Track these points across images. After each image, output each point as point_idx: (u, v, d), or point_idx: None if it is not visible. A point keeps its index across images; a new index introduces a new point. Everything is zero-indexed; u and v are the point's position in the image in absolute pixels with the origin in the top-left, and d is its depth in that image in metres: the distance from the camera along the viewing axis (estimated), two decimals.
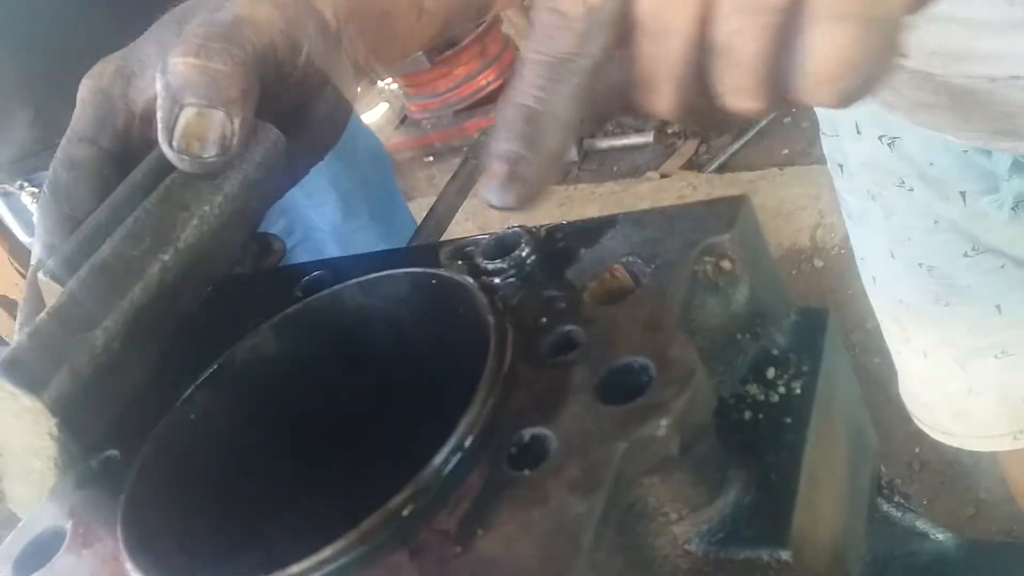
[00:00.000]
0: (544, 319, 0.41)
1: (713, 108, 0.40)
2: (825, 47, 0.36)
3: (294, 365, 0.49)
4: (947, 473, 1.97)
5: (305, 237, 1.46)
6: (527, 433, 0.36)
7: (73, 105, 0.55)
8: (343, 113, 0.58)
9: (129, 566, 0.40)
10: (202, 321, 0.52)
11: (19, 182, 1.14)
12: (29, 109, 1.07)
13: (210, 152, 0.49)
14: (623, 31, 0.40)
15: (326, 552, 0.34)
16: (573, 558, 0.30)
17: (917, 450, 1.94)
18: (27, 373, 0.42)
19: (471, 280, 0.44)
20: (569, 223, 0.45)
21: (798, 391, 0.40)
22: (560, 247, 0.44)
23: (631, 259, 0.41)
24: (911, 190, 1.02)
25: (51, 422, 0.41)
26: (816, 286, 2.51)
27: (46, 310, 0.44)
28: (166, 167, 0.50)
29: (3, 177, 1.14)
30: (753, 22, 0.37)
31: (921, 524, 0.49)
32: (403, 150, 3.62)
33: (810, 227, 2.63)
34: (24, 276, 0.56)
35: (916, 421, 1.26)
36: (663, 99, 0.41)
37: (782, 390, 0.40)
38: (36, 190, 1.12)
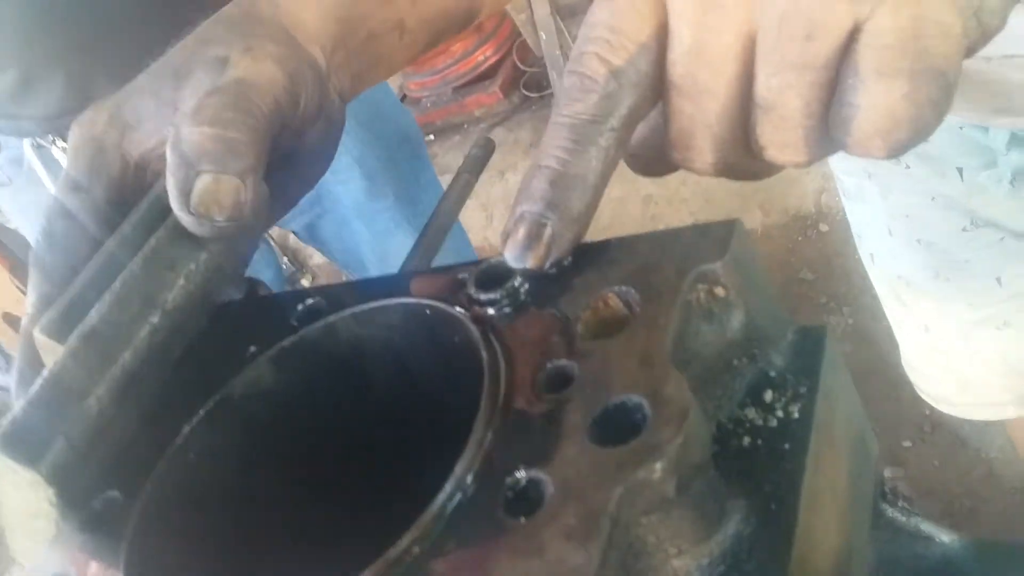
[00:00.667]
0: (539, 353, 0.40)
1: (753, 162, 0.40)
2: (874, 103, 0.35)
3: (292, 397, 0.49)
4: (958, 434, 1.98)
5: (330, 209, 1.45)
6: (523, 477, 0.35)
7: (107, 72, 0.56)
8: (332, 143, 0.58)
9: None
10: (198, 352, 0.52)
11: (51, 137, 1.16)
12: (62, 72, 1.08)
13: (224, 217, 0.49)
14: (655, 91, 0.40)
15: None
16: None
17: (928, 412, 1.95)
18: (24, 447, 0.43)
19: (464, 312, 0.44)
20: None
21: (796, 415, 0.40)
22: (553, 274, 0.44)
23: (623, 289, 0.41)
24: (908, 168, 1.01)
25: (48, 492, 0.42)
26: (823, 251, 2.51)
27: (40, 380, 0.45)
28: (153, 221, 0.50)
29: (36, 130, 1.16)
30: (799, 79, 0.36)
31: (926, 527, 0.49)
32: None
33: (815, 192, 2.62)
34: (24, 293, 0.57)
35: (921, 393, 1.27)
36: (702, 157, 0.40)
37: (780, 414, 0.40)
38: (66, 145, 1.13)
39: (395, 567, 0.35)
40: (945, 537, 0.49)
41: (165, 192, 0.50)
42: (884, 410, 1.90)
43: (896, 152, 0.36)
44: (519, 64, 3.52)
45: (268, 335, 0.50)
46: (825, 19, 0.35)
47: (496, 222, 3.15)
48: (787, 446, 0.39)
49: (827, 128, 0.37)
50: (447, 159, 3.48)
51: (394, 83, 3.74)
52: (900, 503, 0.48)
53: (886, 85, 0.34)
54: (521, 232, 0.39)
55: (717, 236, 0.40)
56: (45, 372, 0.46)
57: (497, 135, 3.52)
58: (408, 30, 0.61)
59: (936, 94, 0.35)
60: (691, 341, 0.39)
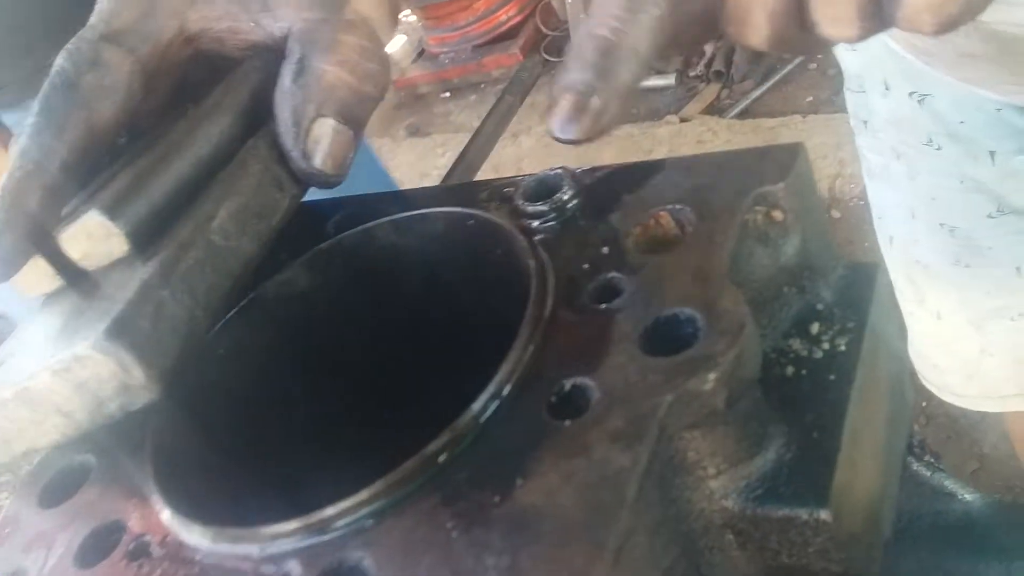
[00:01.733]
0: (586, 265, 0.40)
1: (806, 36, 0.39)
2: None
3: (325, 302, 0.48)
4: (952, 428, 1.97)
5: None
6: (568, 382, 0.35)
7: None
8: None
9: (158, 500, 0.39)
10: None
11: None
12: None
13: (331, 168, 0.46)
14: None
15: (361, 495, 0.34)
16: (618, 510, 0.30)
17: (924, 404, 1.94)
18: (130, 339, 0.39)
19: (509, 222, 0.43)
20: (614, 166, 0.44)
21: (843, 348, 0.39)
22: (603, 191, 0.43)
23: (677, 207, 0.40)
24: (939, 148, 1.00)
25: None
26: (832, 237, 2.50)
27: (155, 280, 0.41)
28: (241, 126, 0.47)
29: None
30: None
31: (950, 484, 0.48)
32: (420, 84, 3.58)
33: (830, 176, 2.61)
34: None
35: (924, 382, 1.26)
36: (756, 31, 0.39)
37: (826, 346, 0.39)
38: None
39: (429, 465, 0.34)
40: (968, 495, 0.49)
41: (251, 95, 0.48)
42: None
43: (945, 28, 0.35)
44: (541, 27, 3.49)
45: (305, 242, 0.49)
46: None
47: None
48: (832, 377, 0.38)
49: (879, 2, 0.36)
50: (461, 117, 3.46)
51: (414, 38, 3.72)
52: (926, 458, 0.48)
53: None
54: (567, 102, 0.38)
55: (780, 159, 0.39)
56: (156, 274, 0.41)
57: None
58: None
59: None
60: (744, 263, 0.38)
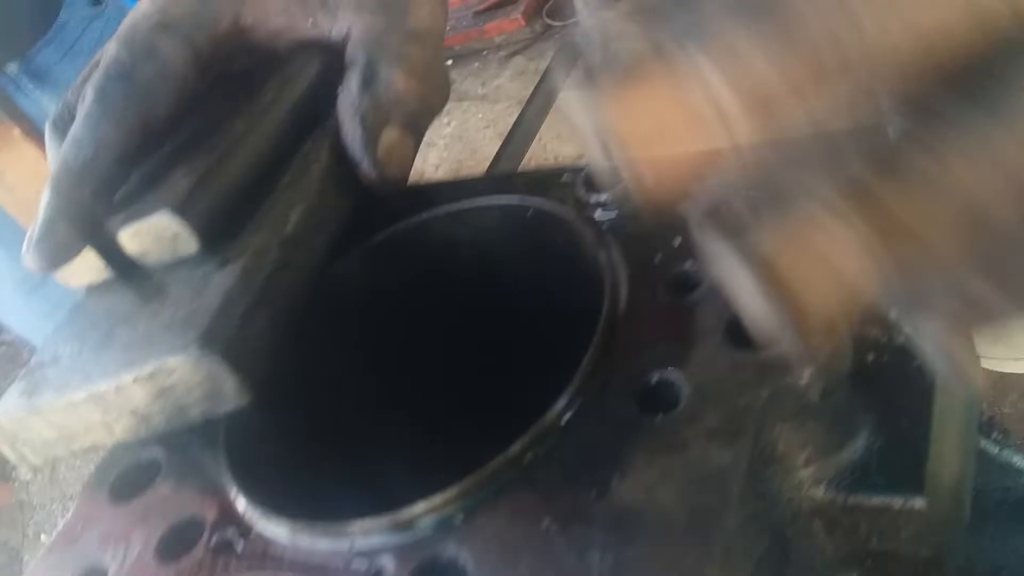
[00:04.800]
0: (658, 257, 0.39)
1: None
2: None
3: (383, 295, 0.48)
4: (1018, 405, 1.97)
5: None
6: (653, 377, 0.35)
7: None
8: None
9: (237, 494, 0.39)
10: None
11: None
12: None
13: (403, 180, 0.46)
14: None
15: (452, 491, 0.34)
16: (723, 510, 0.30)
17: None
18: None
19: (574, 212, 0.43)
20: None
21: None
22: None
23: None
24: None
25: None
26: None
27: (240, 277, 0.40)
28: (298, 123, 0.47)
29: None
30: None
31: (1018, 460, 0.48)
32: None
33: None
34: None
35: None
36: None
37: (907, 330, 0.39)
38: None
39: (517, 463, 0.34)
40: None
41: (306, 94, 0.47)
42: None
43: None
44: None
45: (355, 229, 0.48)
46: None
47: None
48: (915, 363, 0.38)
49: None
50: (465, 86, 3.44)
51: None
52: (995, 435, 0.48)
53: None
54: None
55: None
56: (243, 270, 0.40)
57: (517, 64, 3.47)
58: None
59: None
60: None
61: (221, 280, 0.40)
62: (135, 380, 0.38)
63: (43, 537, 2.82)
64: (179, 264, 0.43)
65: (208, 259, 0.42)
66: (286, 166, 0.45)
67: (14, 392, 0.42)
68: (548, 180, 0.46)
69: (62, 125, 0.48)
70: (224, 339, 0.37)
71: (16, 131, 1.05)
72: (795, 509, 0.36)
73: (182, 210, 0.41)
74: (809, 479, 0.35)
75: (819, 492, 0.35)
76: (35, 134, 1.08)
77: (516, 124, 0.51)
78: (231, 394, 0.37)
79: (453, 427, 0.45)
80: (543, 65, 3.42)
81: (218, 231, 0.42)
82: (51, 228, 0.43)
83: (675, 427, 0.32)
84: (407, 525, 0.35)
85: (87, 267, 0.45)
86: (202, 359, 0.37)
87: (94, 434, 0.41)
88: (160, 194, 0.43)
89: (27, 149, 1.06)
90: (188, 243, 0.42)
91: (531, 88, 3.35)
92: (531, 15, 3.47)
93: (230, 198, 0.43)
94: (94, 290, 0.45)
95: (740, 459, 0.31)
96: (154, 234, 0.42)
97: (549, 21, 3.46)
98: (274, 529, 0.37)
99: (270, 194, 0.44)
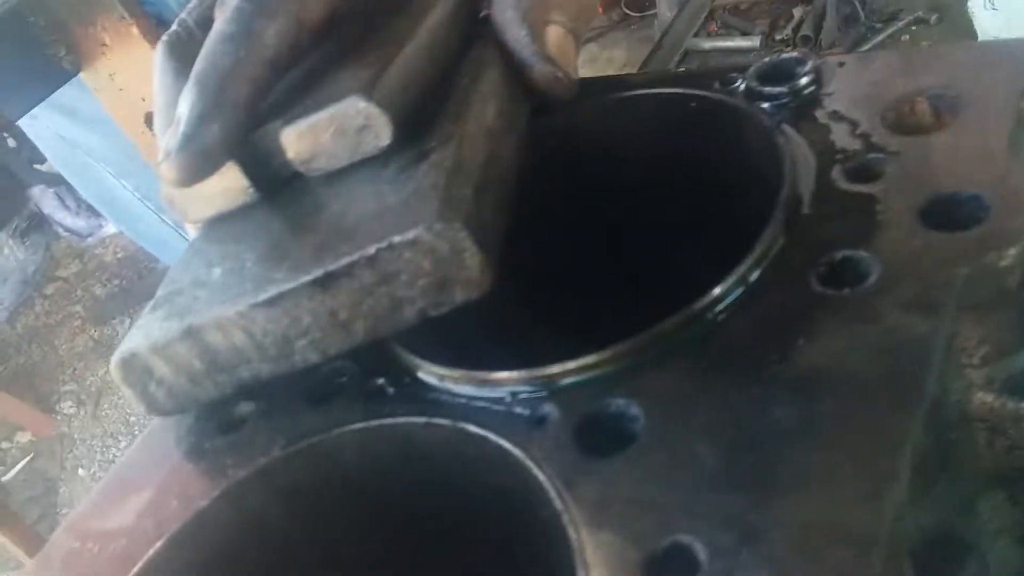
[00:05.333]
0: (837, 147, 0.38)
1: None
2: None
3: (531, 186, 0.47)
4: None
5: None
6: (838, 254, 0.34)
7: None
8: None
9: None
10: None
11: None
12: None
13: (575, 80, 0.44)
14: None
15: (623, 346, 0.33)
16: (924, 375, 0.29)
17: None
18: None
19: (746, 102, 0.42)
20: (854, 54, 0.43)
21: None
22: (842, 80, 0.42)
23: (938, 94, 0.38)
24: None
25: None
26: None
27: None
28: (460, 27, 0.45)
29: None
30: None
31: None
32: None
33: None
34: None
35: None
36: None
37: None
38: None
39: (697, 320, 0.33)
40: None
41: None
42: None
43: None
44: None
45: None
46: None
47: None
48: None
49: None
50: None
51: None
52: None
53: None
54: None
55: None
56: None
57: (589, 50, 3.45)
58: None
59: None
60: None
61: (432, 165, 0.35)
62: (354, 265, 0.33)
63: (80, 471, 2.83)
64: (349, 169, 0.38)
65: (398, 154, 0.37)
66: (460, 67, 0.43)
67: (153, 319, 0.37)
68: (715, 77, 0.45)
69: (180, 47, 0.45)
70: (464, 212, 0.33)
71: (134, 29, 1.02)
72: (961, 412, 0.35)
73: (376, 97, 0.37)
74: (981, 380, 0.34)
75: (988, 396, 0.34)
76: (153, 35, 1.03)
77: (665, 32, 0.50)
78: (471, 277, 0.33)
79: (619, 306, 0.44)
80: (617, 55, 3.40)
81: (409, 125, 0.38)
82: (198, 131, 0.38)
83: (866, 298, 0.32)
84: (578, 373, 0.34)
85: (206, 197, 0.40)
86: (445, 231, 0.32)
87: (257, 362, 0.35)
88: (339, 86, 0.38)
89: (142, 50, 1.02)
90: (379, 135, 0.37)
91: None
92: (609, 3, 3.45)
93: (419, 90, 0.40)
94: (220, 220, 0.41)
95: (940, 329, 0.30)
96: (335, 127, 0.37)
97: (627, 11, 3.44)
98: (430, 376, 0.37)
99: (451, 94, 0.41)
